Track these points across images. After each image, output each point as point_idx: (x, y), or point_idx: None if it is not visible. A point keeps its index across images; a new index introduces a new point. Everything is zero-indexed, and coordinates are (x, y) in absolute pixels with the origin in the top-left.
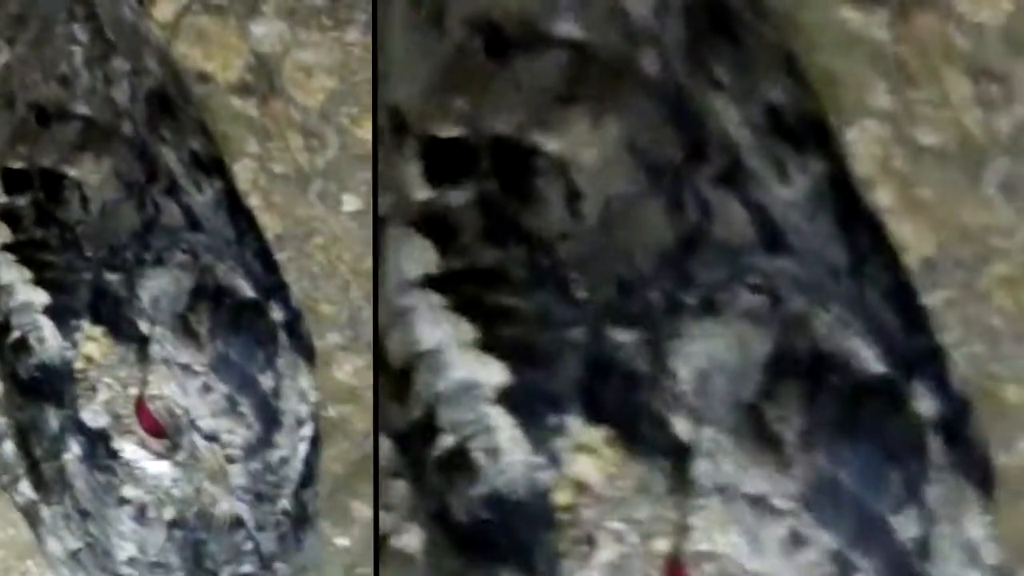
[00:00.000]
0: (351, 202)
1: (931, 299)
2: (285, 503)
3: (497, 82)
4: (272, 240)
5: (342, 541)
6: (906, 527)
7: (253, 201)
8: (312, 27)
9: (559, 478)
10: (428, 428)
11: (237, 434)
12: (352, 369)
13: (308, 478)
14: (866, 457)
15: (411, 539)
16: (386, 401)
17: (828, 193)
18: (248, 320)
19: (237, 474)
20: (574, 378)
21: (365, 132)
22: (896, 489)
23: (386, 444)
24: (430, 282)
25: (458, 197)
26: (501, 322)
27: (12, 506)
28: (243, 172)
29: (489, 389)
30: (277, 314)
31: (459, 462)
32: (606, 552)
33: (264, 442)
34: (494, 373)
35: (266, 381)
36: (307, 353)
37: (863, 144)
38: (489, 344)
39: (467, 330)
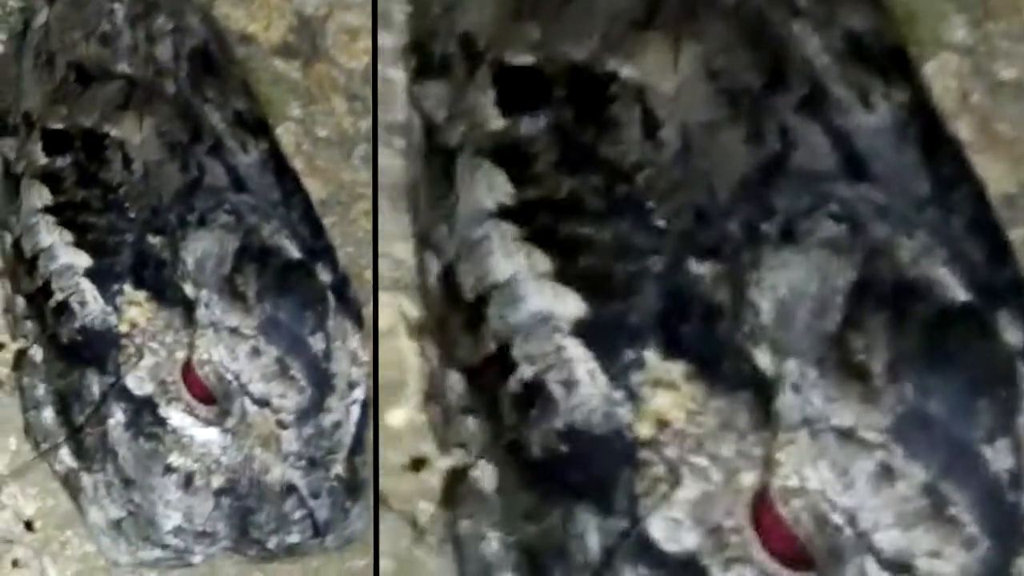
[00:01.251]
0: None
1: (1012, 236)
2: (339, 469)
3: (571, 8)
4: (316, 205)
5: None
6: (999, 458)
7: (296, 165)
8: None
9: (638, 413)
10: (503, 361)
11: (289, 398)
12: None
13: (359, 443)
14: (955, 387)
15: (484, 476)
16: (458, 335)
17: (912, 122)
18: (296, 281)
19: (289, 440)
20: (652, 310)
21: None
22: (987, 419)
23: (456, 379)
24: (504, 212)
25: (532, 125)
26: (577, 252)
27: (51, 475)
28: (286, 136)
29: (565, 321)
30: (325, 276)
31: (535, 396)
32: (689, 489)
33: (317, 406)
34: (570, 305)
35: (316, 343)
36: (355, 316)
37: (941, 78)
38: (565, 275)
39: (542, 261)
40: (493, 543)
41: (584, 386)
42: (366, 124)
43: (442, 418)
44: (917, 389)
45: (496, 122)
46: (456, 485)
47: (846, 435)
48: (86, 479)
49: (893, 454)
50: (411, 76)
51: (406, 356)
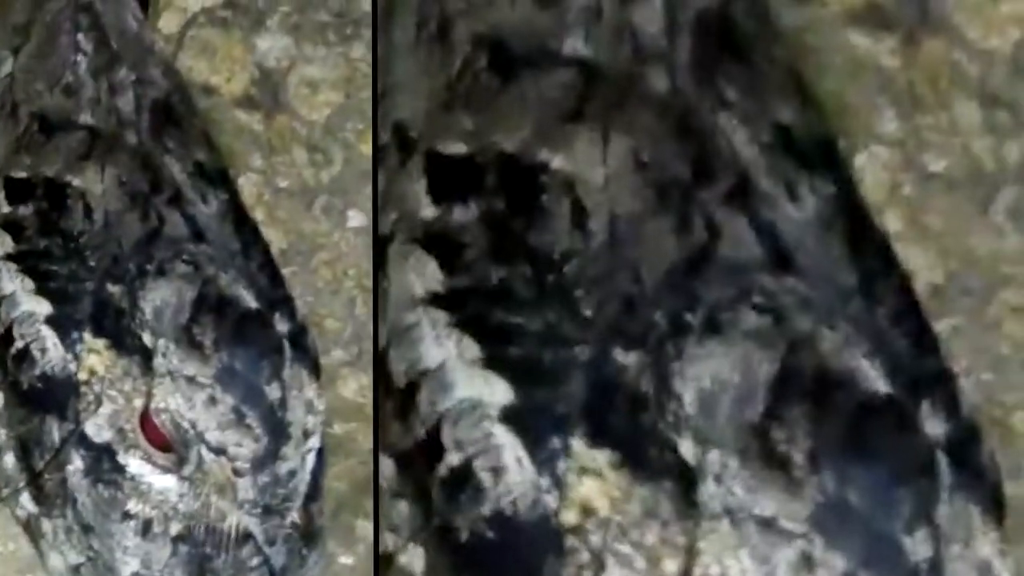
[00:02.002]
0: (356, 218)
1: (939, 326)
2: (294, 516)
3: (503, 99)
4: (277, 255)
5: (346, 560)
6: (918, 548)
7: (257, 216)
8: (318, 42)
9: (564, 500)
10: (432, 447)
11: (245, 447)
12: (357, 386)
13: (315, 491)
14: (876, 478)
15: (413, 560)
16: (388, 420)
17: (838, 214)
18: (253, 331)
19: (245, 487)
20: (578, 399)
21: (370, 148)
22: (907, 510)
23: (388, 464)
24: (434, 299)
25: (463, 214)
26: (506, 340)
27: (12, 520)
28: (247, 186)
29: (493, 408)
30: (282, 326)
31: (464, 481)
32: None
33: (272, 454)
34: (499, 392)
35: (272, 392)
36: (312, 365)
37: (871, 170)
38: (494, 362)
39: (471, 348)
40: None
41: (511, 473)
42: (327, 175)
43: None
44: (837, 479)
45: (428, 210)
46: (386, 570)
47: (767, 524)
48: (46, 524)
49: (813, 544)
50: None
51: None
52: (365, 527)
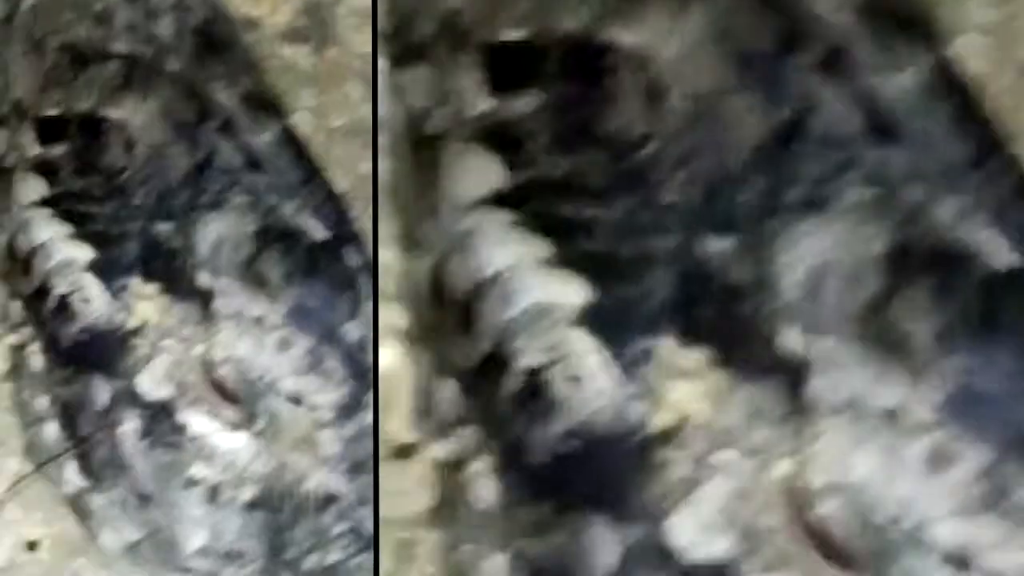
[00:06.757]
0: None
1: None
2: None
3: None
4: None
5: None
6: None
7: None
8: None
9: (655, 408)
10: (499, 361)
11: (325, 394)
12: None
13: None
14: (1012, 354)
15: (485, 490)
16: (449, 338)
17: (942, 86)
18: (325, 264)
19: (329, 441)
20: (665, 294)
21: None
22: None
23: (450, 387)
24: (496, 199)
25: (525, 104)
26: (579, 235)
27: (57, 498)
28: (299, 127)
29: (568, 310)
30: (354, 259)
31: (537, 395)
32: (717, 487)
33: (358, 401)
34: (573, 292)
35: (352, 332)
36: None
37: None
38: (566, 260)
39: (540, 247)
40: (497, 564)
41: (593, 381)
42: None
43: (438, 435)
44: (970, 360)
45: (484, 104)
46: (451, 512)
47: (891, 417)
48: (96, 499)
49: (947, 434)
50: (391, 64)
51: (395, 372)
52: None
